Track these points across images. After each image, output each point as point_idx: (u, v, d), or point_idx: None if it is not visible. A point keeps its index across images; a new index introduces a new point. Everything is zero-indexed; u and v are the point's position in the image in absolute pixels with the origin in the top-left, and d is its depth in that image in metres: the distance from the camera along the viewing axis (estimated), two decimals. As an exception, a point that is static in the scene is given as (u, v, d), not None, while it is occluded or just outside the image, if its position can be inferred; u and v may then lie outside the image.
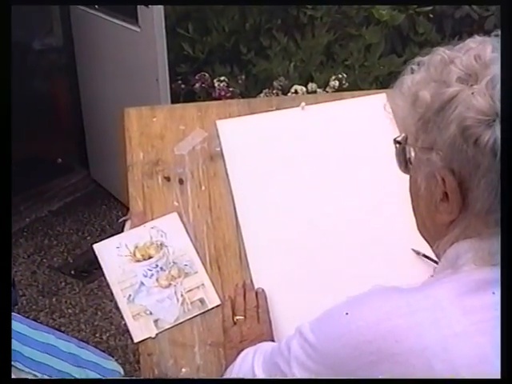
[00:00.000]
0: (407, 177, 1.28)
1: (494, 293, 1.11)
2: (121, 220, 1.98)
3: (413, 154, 1.22)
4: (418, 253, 1.83)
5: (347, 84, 3.98)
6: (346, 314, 1.16)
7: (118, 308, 1.82)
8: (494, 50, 1.14)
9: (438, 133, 1.14)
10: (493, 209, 1.12)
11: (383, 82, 4.08)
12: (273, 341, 1.67)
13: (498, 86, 1.08)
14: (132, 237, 1.88)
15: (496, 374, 1.06)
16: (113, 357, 3.53)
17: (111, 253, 1.85)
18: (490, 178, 1.10)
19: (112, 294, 1.83)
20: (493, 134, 1.07)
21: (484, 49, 1.15)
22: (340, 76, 4.00)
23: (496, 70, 1.10)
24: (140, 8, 3.85)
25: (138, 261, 1.84)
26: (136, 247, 1.85)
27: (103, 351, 3.52)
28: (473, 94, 1.09)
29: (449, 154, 1.13)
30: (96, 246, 1.87)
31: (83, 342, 1.92)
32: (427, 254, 1.80)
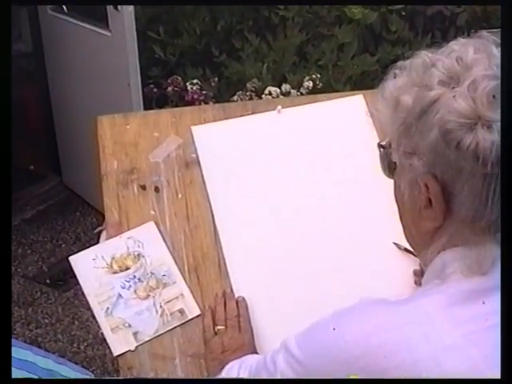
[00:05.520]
0: (386, 178, 1.27)
1: (483, 302, 1.10)
2: (96, 230, 1.94)
3: (397, 159, 1.20)
4: (399, 247, 1.81)
5: (321, 84, 3.97)
6: (333, 328, 1.14)
7: (95, 319, 1.78)
8: (476, 52, 1.12)
9: (420, 137, 1.13)
10: (478, 215, 1.11)
11: (357, 82, 4.07)
12: (255, 350, 1.66)
13: (481, 88, 1.06)
14: (108, 248, 1.84)
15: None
16: (91, 367, 3.51)
17: (87, 265, 1.81)
18: (474, 183, 1.09)
19: (89, 305, 1.80)
20: (475, 138, 1.05)
21: (466, 51, 1.13)
22: (314, 76, 3.98)
23: (478, 71, 1.08)
24: (110, 12, 3.82)
25: (115, 272, 1.80)
26: (113, 258, 1.82)
27: (81, 362, 3.50)
28: (454, 96, 1.08)
29: (431, 158, 1.12)
30: (72, 259, 1.84)
31: (61, 356, 1.88)
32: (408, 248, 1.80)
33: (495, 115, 1.05)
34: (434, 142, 1.10)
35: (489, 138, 1.05)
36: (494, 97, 1.05)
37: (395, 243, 1.81)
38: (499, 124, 1.04)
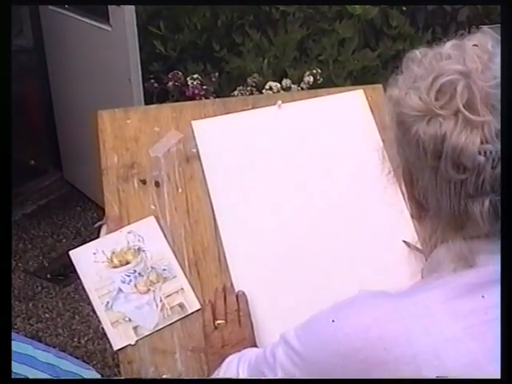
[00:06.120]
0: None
1: (483, 296, 1.10)
2: (97, 225, 1.94)
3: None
4: (408, 245, 1.81)
5: (322, 79, 3.96)
6: (333, 321, 1.14)
7: (95, 313, 1.79)
8: (452, 46, 1.13)
9: (392, 132, 1.18)
10: (445, 211, 1.12)
11: (357, 77, 4.07)
12: (255, 345, 1.65)
13: (437, 83, 1.08)
14: (108, 242, 1.84)
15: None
16: (92, 361, 3.51)
17: (88, 259, 1.82)
18: (427, 177, 1.12)
19: (89, 300, 1.80)
20: (420, 128, 1.08)
21: (445, 46, 1.15)
22: (314, 71, 3.98)
23: (446, 65, 1.09)
24: (111, 7, 3.81)
25: (116, 267, 1.81)
26: (113, 253, 1.82)
27: (82, 356, 3.50)
28: (406, 93, 1.12)
29: (399, 149, 1.17)
30: (72, 253, 1.84)
31: (61, 350, 1.88)
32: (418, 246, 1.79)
33: (441, 110, 1.06)
34: (396, 132, 1.16)
35: (428, 132, 1.07)
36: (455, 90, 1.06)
37: (405, 241, 1.81)
38: (451, 118, 1.06)
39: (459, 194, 1.08)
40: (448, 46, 1.13)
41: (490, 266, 1.11)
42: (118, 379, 1.88)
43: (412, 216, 1.24)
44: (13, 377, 1.55)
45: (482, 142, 1.03)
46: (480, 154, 1.03)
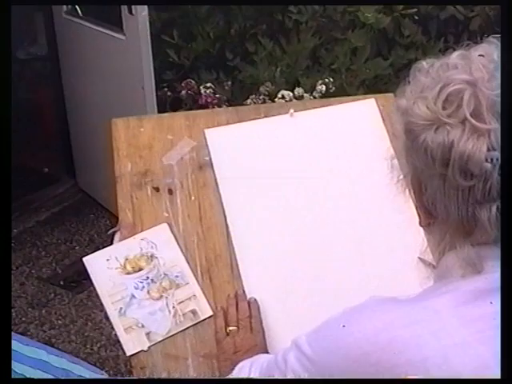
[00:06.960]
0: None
1: (491, 302, 1.11)
2: (110, 232, 1.95)
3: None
4: (424, 262, 1.80)
5: (334, 88, 3.97)
6: (344, 326, 1.15)
7: (108, 319, 1.80)
8: (459, 56, 1.15)
9: (400, 140, 1.19)
10: (453, 218, 1.13)
11: (370, 86, 4.07)
12: (266, 351, 1.66)
13: (444, 92, 1.09)
14: (122, 249, 1.85)
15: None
16: (104, 367, 3.52)
17: (101, 266, 1.83)
18: (435, 185, 1.13)
19: (103, 306, 1.81)
20: (428, 136, 1.09)
21: (451, 56, 1.16)
22: (326, 80, 3.99)
23: (451, 75, 1.11)
24: (125, 16, 3.83)
25: (129, 273, 1.82)
26: (126, 259, 1.83)
27: (95, 363, 3.51)
28: (414, 103, 1.13)
29: (408, 157, 1.18)
30: (86, 259, 1.85)
31: (75, 356, 1.89)
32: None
33: (449, 119, 1.08)
34: (404, 141, 1.17)
35: (436, 140, 1.08)
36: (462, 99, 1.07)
37: (420, 258, 1.80)
38: (458, 126, 1.07)
39: (467, 201, 1.09)
40: (454, 56, 1.14)
41: (498, 273, 1.12)
42: (118, 379, 1.89)
43: (421, 225, 1.25)
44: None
45: (488, 149, 1.05)
46: (487, 160, 1.05)
